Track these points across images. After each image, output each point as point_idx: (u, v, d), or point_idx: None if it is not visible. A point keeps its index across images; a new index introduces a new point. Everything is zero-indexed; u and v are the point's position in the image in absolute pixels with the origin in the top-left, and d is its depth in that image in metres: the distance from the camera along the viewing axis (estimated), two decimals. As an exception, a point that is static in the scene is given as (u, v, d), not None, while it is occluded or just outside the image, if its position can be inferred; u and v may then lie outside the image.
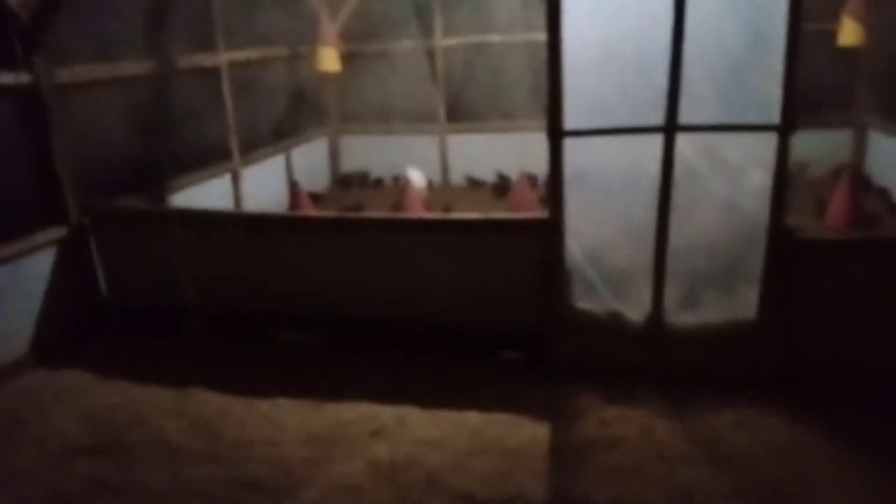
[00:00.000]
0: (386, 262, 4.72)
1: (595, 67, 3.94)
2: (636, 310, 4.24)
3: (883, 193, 7.58)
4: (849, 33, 7.05)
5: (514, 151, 8.57)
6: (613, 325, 4.27)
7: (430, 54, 9.33)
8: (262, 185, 7.94)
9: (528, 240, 4.40)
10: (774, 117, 3.71)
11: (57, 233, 5.03)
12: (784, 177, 3.83)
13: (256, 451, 3.73)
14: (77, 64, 5.29)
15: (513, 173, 8.60)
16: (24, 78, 4.72)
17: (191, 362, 4.74)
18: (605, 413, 3.91)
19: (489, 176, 9.17)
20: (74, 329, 5.10)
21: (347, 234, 4.79)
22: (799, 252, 3.97)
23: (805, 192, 6.93)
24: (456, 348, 4.62)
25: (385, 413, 4.00)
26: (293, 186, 8.02)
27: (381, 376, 4.43)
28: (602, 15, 3.81)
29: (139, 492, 3.43)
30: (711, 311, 4.16)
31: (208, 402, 4.25)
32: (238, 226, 5.12)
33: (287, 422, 4.00)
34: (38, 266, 4.91)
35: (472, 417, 3.93)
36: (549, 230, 4.26)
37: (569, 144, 4.09)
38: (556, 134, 4.06)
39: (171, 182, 6.33)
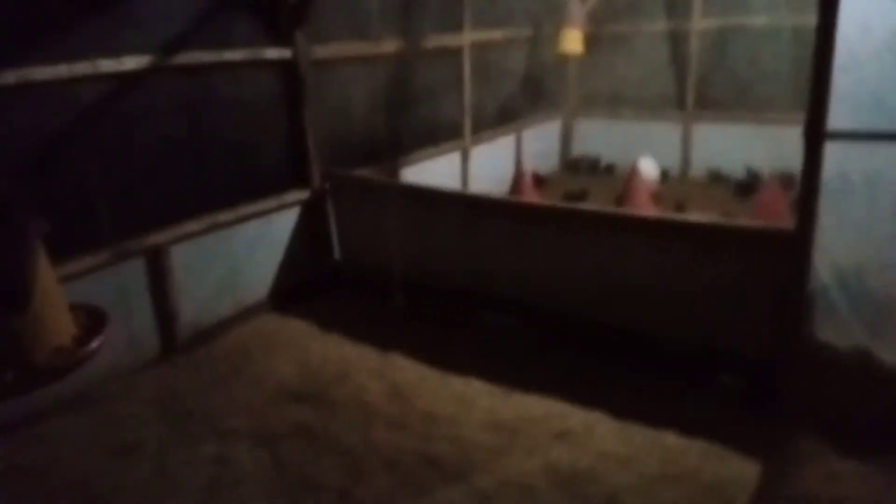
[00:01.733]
0: (599, 257, 4.44)
1: (876, 59, 3.28)
2: (894, 351, 3.50)
3: None
4: None
5: (768, 146, 7.57)
6: (861, 366, 3.58)
7: (680, 37, 8.63)
8: (490, 164, 8.03)
9: (767, 253, 3.85)
10: None
11: (301, 195, 5.55)
12: None
13: (442, 427, 3.78)
14: (332, 41, 5.73)
15: (764, 170, 7.68)
16: (286, 53, 5.23)
17: (397, 330, 4.96)
18: (834, 466, 3.29)
19: (736, 171, 8.29)
20: (306, 283, 5.62)
21: (560, 224, 4.61)
22: None
23: None
24: (667, 362, 4.22)
25: (574, 415, 3.80)
26: (518, 168, 7.99)
27: (577, 376, 4.22)
28: (893, -4, 3.13)
29: (331, 445, 3.66)
30: None
31: (407, 369, 4.40)
32: (453, 204, 5.20)
33: (476, 403, 3.99)
34: (285, 223, 5.48)
35: (670, 439, 3.56)
36: (794, 245, 3.67)
37: (831, 148, 3.46)
38: (816, 135, 3.45)
39: (405, 156, 6.66)
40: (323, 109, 5.61)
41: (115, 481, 3.43)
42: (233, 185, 5.04)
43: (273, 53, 5.15)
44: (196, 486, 3.40)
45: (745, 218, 6.21)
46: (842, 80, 3.34)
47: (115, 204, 4.28)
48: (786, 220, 5.57)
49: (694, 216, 5.17)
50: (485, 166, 7.92)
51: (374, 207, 5.51)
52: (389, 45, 6.30)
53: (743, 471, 3.32)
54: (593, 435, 3.64)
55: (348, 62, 5.95)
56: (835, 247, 3.61)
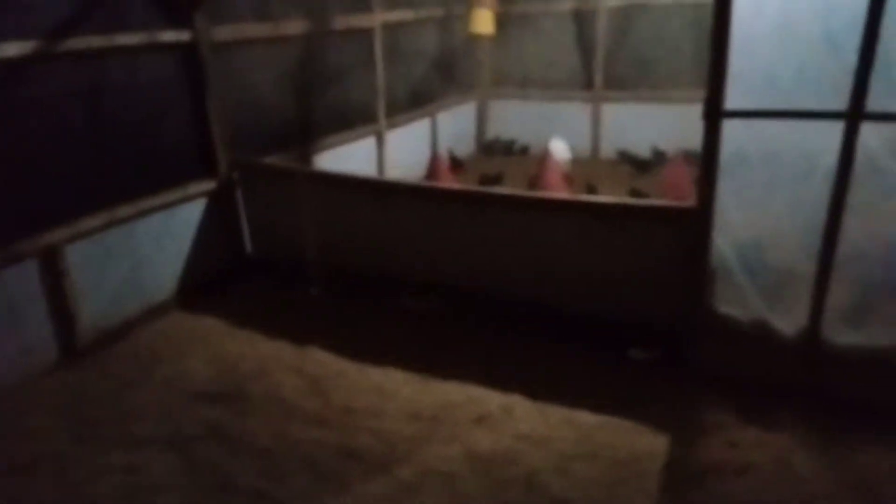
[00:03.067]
0: (513, 239, 4.50)
1: (769, 40, 3.41)
2: (789, 321, 3.71)
3: None
4: None
5: (674, 124, 7.93)
6: (759, 336, 3.77)
7: (587, 15, 8.78)
8: (406, 148, 7.96)
9: (671, 230, 3.99)
10: None
11: (207, 185, 5.32)
12: None
13: (361, 420, 3.74)
14: (235, 22, 5.48)
15: (670, 148, 7.96)
16: (184, 35, 4.96)
17: (315, 321, 4.86)
18: (737, 434, 3.47)
19: (644, 150, 8.56)
20: (216, 277, 5.42)
21: (475, 208, 4.62)
22: None
23: None
24: (581, 338, 4.34)
25: (493, 399, 3.84)
26: (434, 152, 7.96)
27: (496, 358, 4.26)
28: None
29: (248, 444, 3.56)
30: (881, 332, 3.54)
31: (325, 363, 4.32)
32: (367, 191, 5.12)
33: (396, 394, 3.97)
34: (190, 215, 5.24)
35: (585, 417, 3.66)
36: (696, 221, 3.81)
37: (729, 126, 3.60)
38: (715, 113, 3.58)
39: (318, 141, 6.50)
40: (228, 95, 5.37)
41: (15, 501, 3.21)
42: (133, 178, 4.76)
43: (171, 36, 4.87)
44: (106, 497, 3.23)
45: (652, 196, 6.42)
46: (737, 60, 3.45)
47: (2, 202, 3.97)
48: (690, 197, 5.79)
49: (604, 197, 5.29)
50: (401, 150, 7.84)
51: (286, 195, 5.36)
52: (296, 26, 6.10)
53: (653, 443, 3.45)
54: (511, 417, 3.69)
55: (253, 44, 5.71)
56: (734, 222, 3.77)
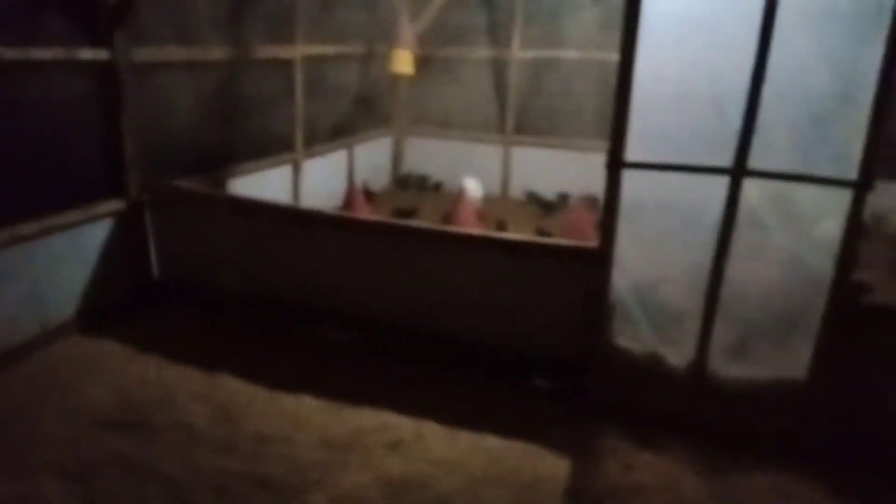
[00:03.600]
0: (428, 272, 4.66)
1: (667, 100, 3.77)
2: (679, 355, 4.05)
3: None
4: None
5: (578, 170, 8.43)
6: (652, 368, 4.09)
7: (503, 65, 9.26)
8: (322, 179, 8.03)
9: (574, 268, 4.27)
10: (852, 171, 3.46)
11: (116, 206, 5.17)
12: (855, 235, 3.57)
13: (273, 447, 3.73)
14: (156, 45, 5.43)
15: (574, 192, 8.44)
16: (103, 54, 4.87)
17: (226, 348, 4.79)
18: (631, 458, 3.74)
19: (549, 192, 9.03)
20: (121, 301, 5.23)
21: (392, 240, 4.76)
22: (864, 316, 3.70)
23: (880, 247, 6.50)
24: (490, 369, 4.52)
25: (405, 426, 3.94)
26: (350, 184, 8.07)
27: (409, 387, 4.37)
28: (681, 48, 3.63)
29: (153, 474, 3.47)
30: (760, 366, 3.93)
31: (235, 390, 4.28)
32: (285, 219, 5.16)
33: (308, 421, 3.98)
34: (96, 236, 5.05)
35: (492, 442, 3.82)
36: (597, 261, 4.11)
37: (628, 176, 3.94)
38: (616, 164, 3.91)
39: (233, 167, 6.46)
40: (144, 116, 5.27)
41: None
42: (38, 195, 4.58)
43: (88, 54, 4.77)
44: (-8, 529, 3.06)
45: (556, 235, 6.79)
46: (638, 117, 3.80)
47: None
48: (591, 238, 6.19)
49: (514, 234, 5.58)
50: (317, 180, 7.90)
51: (198, 220, 5.30)
52: (218, 52, 6.10)
53: (556, 467, 3.65)
54: (423, 443, 3.79)
55: (174, 68, 5.66)
56: (631, 263, 4.09)
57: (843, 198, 3.52)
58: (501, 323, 4.52)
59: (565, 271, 4.33)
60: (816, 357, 3.77)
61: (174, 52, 5.63)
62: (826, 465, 3.64)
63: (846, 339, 3.68)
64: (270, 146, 7.14)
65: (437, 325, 4.70)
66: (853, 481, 3.55)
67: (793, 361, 3.83)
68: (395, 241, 4.76)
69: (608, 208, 4.02)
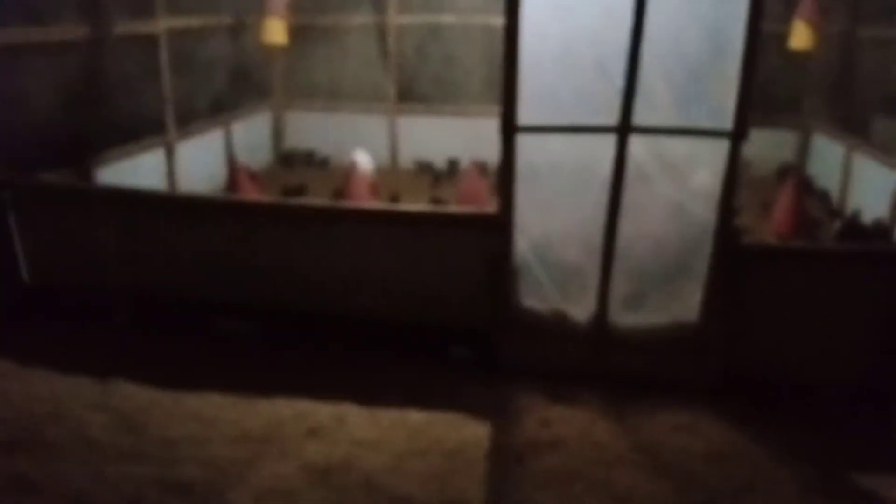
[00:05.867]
0: (326, 251, 4.55)
1: (553, 63, 3.85)
2: (581, 309, 4.22)
3: (824, 196, 7.81)
4: (800, 37, 7.20)
5: (466, 137, 8.49)
6: (558, 325, 4.24)
7: (383, 32, 9.08)
8: (198, 161, 7.60)
9: (476, 235, 4.31)
10: (727, 123, 3.71)
11: (-30, 208, 4.65)
12: (733, 183, 3.84)
13: (184, 449, 3.54)
14: (4, 26, 4.87)
15: (464, 159, 8.49)
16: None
17: (117, 352, 4.48)
18: (547, 413, 3.88)
19: (439, 160, 9.03)
20: (-11, 313, 4.75)
21: (286, 221, 4.59)
22: (744, 258, 4.01)
23: (749, 191, 7.06)
24: (401, 344, 4.49)
25: (322, 411, 3.86)
26: (232, 164, 7.69)
27: (320, 372, 4.28)
28: (562, 11, 3.71)
29: (58, 491, 3.21)
30: (656, 314, 4.18)
31: (134, 396, 4.02)
32: (166, 208, 4.84)
33: (218, 419, 3.81)
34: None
35: (413, 417, 3.84)
36: (498, 226, 4.17)
37: (522, 140, 4.00)
38: (510, 129, 3.95)
39: (100, 156, 5.97)
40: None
41: None
42: None
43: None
44: None
45: (451, 204, 6.82)
46: (527, 81, 3.85)
47: None
48: (486, 204, 6.28)
49: (412, 206, 5.55)
50: (194, 162, 7.47)
51: (69, 216, 4.88)
52: (73, 32, 5.57)
53: (477, 432, 3.73)
54: (344, 426, 3.75)
55: (27, 50, 5.10)
56: (531, 226, 4.20)
57: (721, 148, 3.75)
58: (408, 297, 4.50)
59: (467, 239, 4.36)
60: (705, 300, 4.05)
61: (25, 34, 5.09)
62: (723, 400, 3.95)
63: (730, 280, 3.97)
64: (139, 130, 6.65)
65: (342, 306, 4.60)
66: (747, 412, 3.88)
67: (685, 306, 4.11)
68: (288, 222, 4.59)
69: (505, 173, 4.07)
